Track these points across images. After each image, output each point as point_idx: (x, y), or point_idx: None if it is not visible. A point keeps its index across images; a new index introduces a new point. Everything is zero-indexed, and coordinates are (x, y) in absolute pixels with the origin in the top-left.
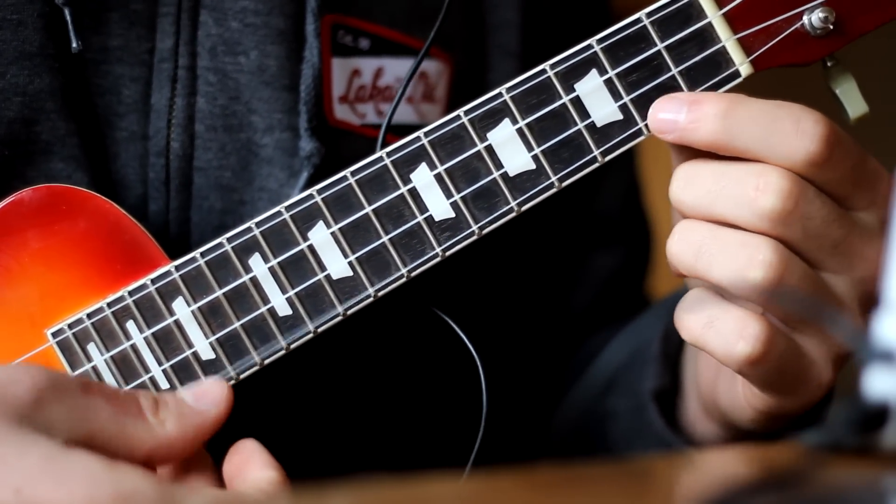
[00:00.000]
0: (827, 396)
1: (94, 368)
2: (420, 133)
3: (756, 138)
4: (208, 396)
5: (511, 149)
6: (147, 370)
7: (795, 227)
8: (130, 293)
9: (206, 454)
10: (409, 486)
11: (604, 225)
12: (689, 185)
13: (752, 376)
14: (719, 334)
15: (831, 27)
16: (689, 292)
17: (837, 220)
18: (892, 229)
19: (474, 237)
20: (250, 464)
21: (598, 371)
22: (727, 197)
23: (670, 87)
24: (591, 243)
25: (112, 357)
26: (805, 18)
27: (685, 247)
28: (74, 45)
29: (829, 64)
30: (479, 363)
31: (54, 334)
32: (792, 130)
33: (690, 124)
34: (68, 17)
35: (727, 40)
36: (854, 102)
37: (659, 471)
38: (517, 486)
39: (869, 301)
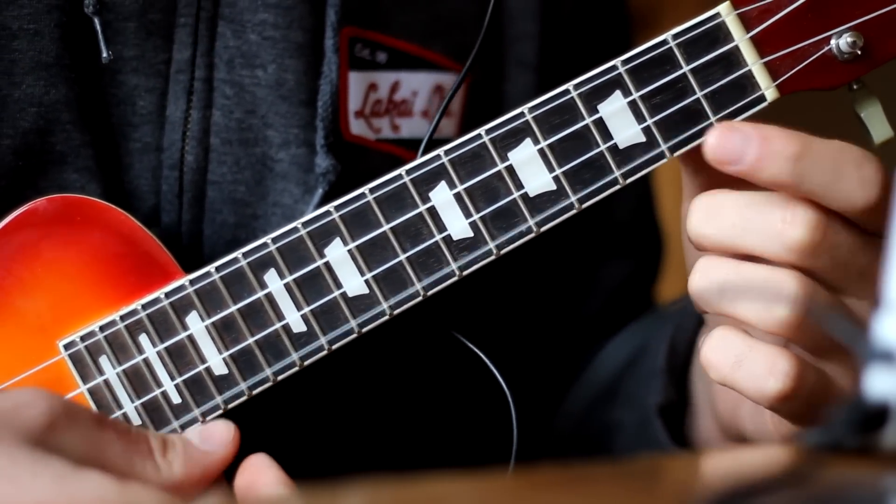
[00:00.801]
0: None
1: (106, 382)
2: (440, 151)
3: (823, 184)
4: (215, 437)
5: (532, 169)
6: (159, 384)
7: (823, 257)
8: (144, 306)
9: None
10: (411, 486)
11: (614, 234)
12: (711, 218)
13: (784, 411)
14: (749, 373)
15: (859, 52)
16: (714, 330)
17: (863, 248)
18: (891, 229)
19: (492, 257)
20: (262, 480)
21: (595, 375)
22: (753, 230)
23: (695, 110)
24: (602, 252)
25: (124, 371)
26: (833, 43)
27: (708, 284)
28: (105, 54)
29: (854, 87)
30: (507, 391)
31: (66, 346)
32: (856, 178)
33: (759, 162)
34: (98, 27)
35: (754, 64)
36: (879, 126)
37: (659, 471)
38: (519, 486)
39: None
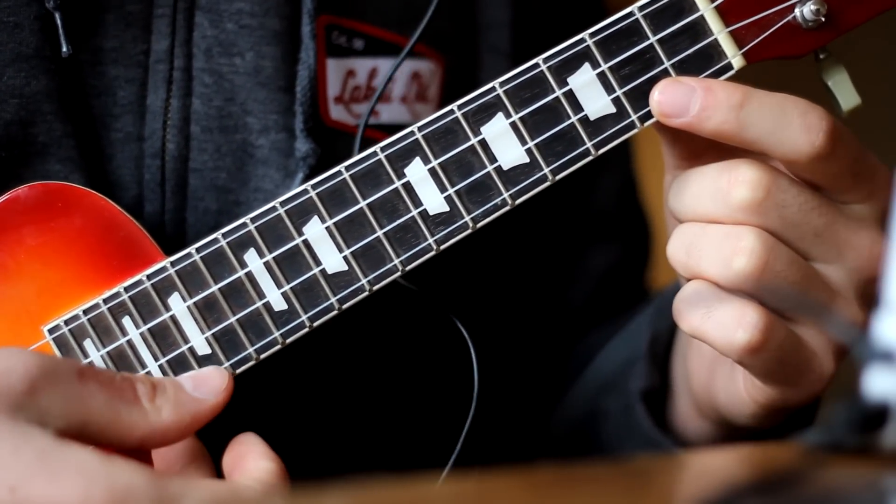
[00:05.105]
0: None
1: (91, 364)
2: (414, 128)
3: (766, 131)
4: (208, 384)
5: (505, 142)
6: (143, 365)
7: (771, 215)
8: (126, 289)
9: (201, 446)
10: (407, 487)
11: (600, 221)
12: (678, 192)
13: (753, 366)
14: (718, 324)
15: (823, 19)
16: (686, 284)
17: (817, 208)
18: (892, 229)
19: (468, 230)
20: (249, 455)
21: (595, 373)
22: (706, 195)
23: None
24: (587, 239)
25: (108, 353)
26: (797, 11)
27: (678, 246)
28: (65, 49)
29: (821, 56)
30: (470, 345)
31: (51, 331)
32: (799, 125)
33: (703, 112)
34: (59, 21)
35: (719, 33)
36: (846, 94)
37: (658, 471)
38: (517, 486)
39: (869, 290)
